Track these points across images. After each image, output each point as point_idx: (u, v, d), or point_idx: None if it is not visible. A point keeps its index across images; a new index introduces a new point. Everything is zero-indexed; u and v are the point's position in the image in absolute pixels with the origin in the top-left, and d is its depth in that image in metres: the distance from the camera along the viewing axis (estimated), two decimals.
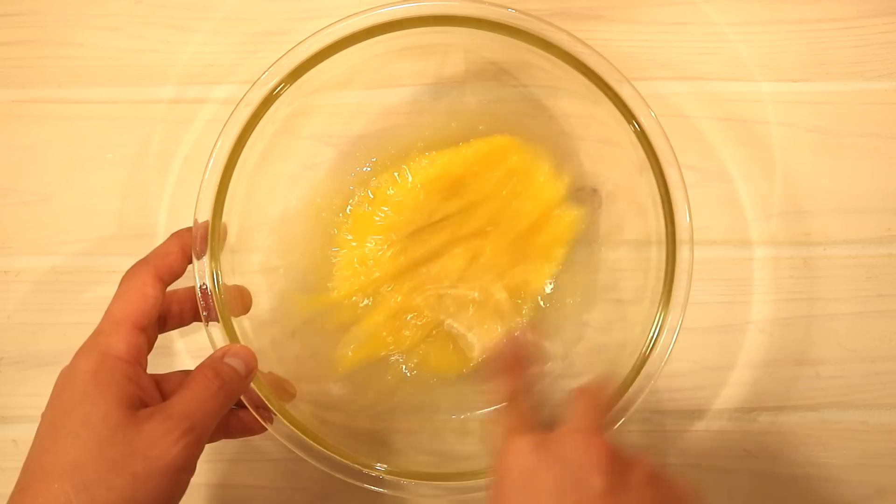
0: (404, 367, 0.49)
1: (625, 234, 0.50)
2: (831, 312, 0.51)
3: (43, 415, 0.37)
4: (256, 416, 0.42)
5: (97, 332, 0.38)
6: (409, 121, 0.51)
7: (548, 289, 0.50)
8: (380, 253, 0.49)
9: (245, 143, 0.44)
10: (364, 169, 0.50)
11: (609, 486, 0.33)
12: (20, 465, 0.36)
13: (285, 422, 0.43)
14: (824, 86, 0.52)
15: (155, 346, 0.41)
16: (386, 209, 0.49)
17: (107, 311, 0.39)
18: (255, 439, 0.48)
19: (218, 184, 0.44)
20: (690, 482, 0.35)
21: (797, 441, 0.50)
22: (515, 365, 0.44)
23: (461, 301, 0.48)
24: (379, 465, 0.44)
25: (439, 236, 0.49)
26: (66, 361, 0.38)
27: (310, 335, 0.49)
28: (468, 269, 0.49)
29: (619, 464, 0.34)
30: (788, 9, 0.53)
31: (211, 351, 0.41)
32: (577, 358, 0.50)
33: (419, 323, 0.48)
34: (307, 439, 0.43)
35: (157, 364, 0.41)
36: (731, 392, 0.51)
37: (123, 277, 0.40)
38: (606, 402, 0.43)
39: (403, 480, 0.44)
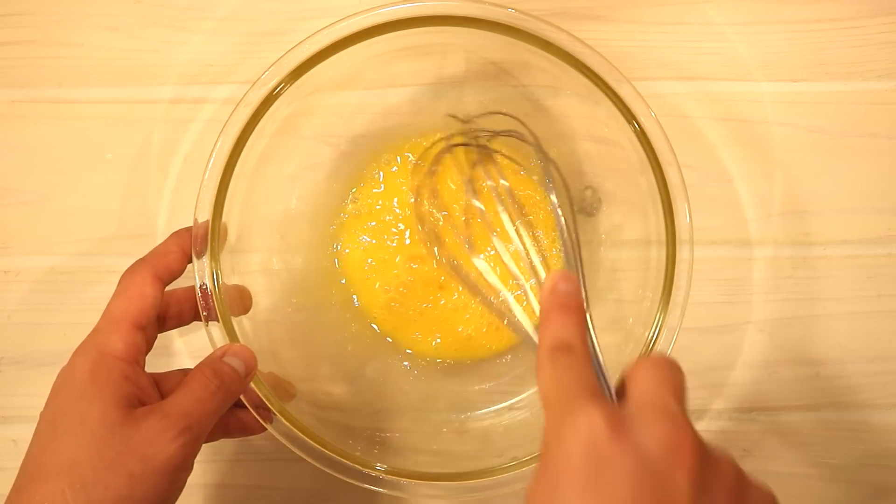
0: (406, 363, 0.49)
1: (625, 234, 0.50)
2: (831, 312, 0.51)
3: (41, 413, 0.37)
4: (256, 415, 0.42)
5: (95, 331, 0.38)
6: (409, 121, 0.51)
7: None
8: (378, 251, 0.49)
9: (245, 143, 0.44)
10: (364, 169, 0.50)
11: (696, 489, 0.28)
12: (20, 465, 0.36)
13: (285, 422, 0.43)
14: (824, 86, 0.52)
15: (154, 345, 0.41)
16: (385, 210, 0.49)
17: (105, 310, 0.39)
18: (255, 439, 0.48)
19: (218, 184, 0.43)
20: (769, 487, 0.31)
21: (797, 441, 0.50)
22: (571, 303, 0.34)
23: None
24: (378, 465, 0.44)
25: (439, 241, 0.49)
26: (66, 361, 0.38)
27: (310, 335, 0.49)
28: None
29: (706, 461, 0.29)
30: (788, 9, 0.53)
31: (211, 350, 0.41)
32: None
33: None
34: (307, 439, 0.43)
35: (157, 364, 0.41)
36: (731, 392, 0.51)
37: (122, 276, 0.40)
38: (683, 382, 0.32)
39: (402, 480, 0.44)
